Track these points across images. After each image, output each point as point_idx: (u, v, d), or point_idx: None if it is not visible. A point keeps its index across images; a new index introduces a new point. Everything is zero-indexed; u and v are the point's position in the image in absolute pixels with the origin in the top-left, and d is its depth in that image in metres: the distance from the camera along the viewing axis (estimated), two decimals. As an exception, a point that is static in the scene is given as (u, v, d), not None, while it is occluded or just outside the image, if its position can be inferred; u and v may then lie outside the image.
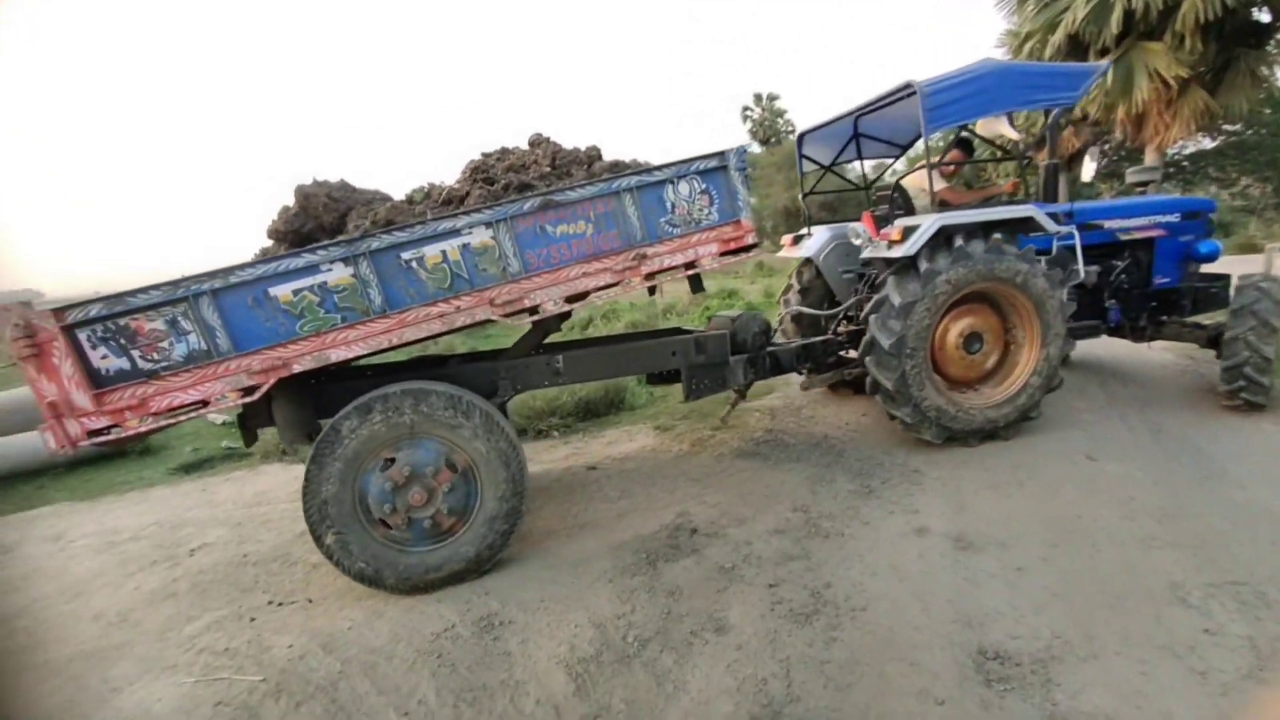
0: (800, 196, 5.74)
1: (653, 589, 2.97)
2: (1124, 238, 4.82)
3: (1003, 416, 4.27)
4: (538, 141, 3.89)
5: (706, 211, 3.42)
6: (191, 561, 3.98)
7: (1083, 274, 4.50)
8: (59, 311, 2.66)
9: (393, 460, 3.08)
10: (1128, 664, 2.27)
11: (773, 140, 31.52)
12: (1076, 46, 11.02)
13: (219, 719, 2.42)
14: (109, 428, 2.79)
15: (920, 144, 4.92)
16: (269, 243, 3.74)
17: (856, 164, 5.93)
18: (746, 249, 3.52)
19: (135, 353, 2.79)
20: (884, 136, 5.60)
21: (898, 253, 4.04)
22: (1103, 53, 10.78)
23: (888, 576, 2.93)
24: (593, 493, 4.26)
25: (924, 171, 4.49)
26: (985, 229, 4.15)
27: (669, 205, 3.36)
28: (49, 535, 4.84)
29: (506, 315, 3.17)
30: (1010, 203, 4.56)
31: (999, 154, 5.16)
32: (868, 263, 4.81)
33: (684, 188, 3.36)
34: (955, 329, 4.28)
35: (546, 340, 4.19)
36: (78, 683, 2.81)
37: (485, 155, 3.85)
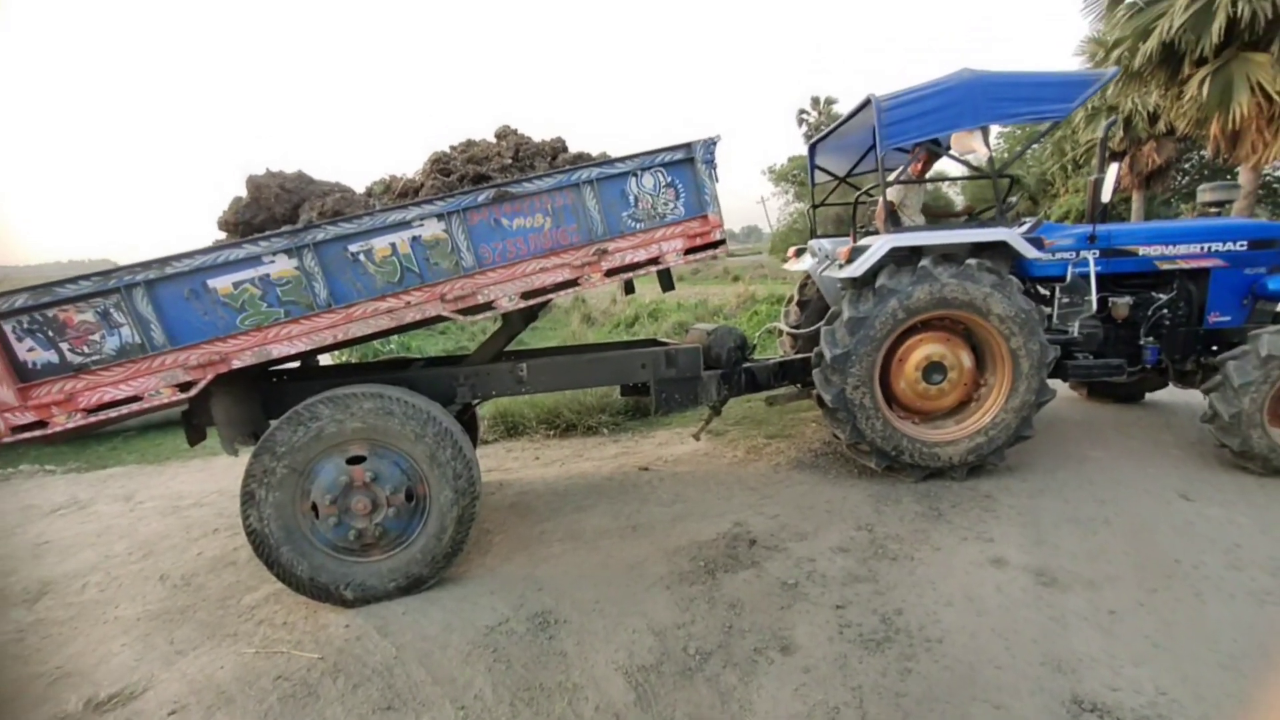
0: (808, 209, 5.56)
1: (712, 600, 2.86)
2: (1165, 267, 4.27)
3: (955, 455, 3.98)
4: (504, 134, 3.77)
5: (672, 206, 3.25)
6: (251, 531, 4.07)
7: (1093, 306, 4.13)
8: None
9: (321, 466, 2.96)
10: (1248, 732, 2.05)
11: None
12: (1171, 55, 10.35)
13: (279, 693, 2.43)
14: (36, 424, 2.67)
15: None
16: (223, 234, 3.63)
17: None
18: (713, 245, 3.34)
19: (64, 345, 2.66)
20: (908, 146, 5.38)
21: (845, 273, 3.89)
22: (1200, 62, 10.09)
23: (964, 608, 2.74)
24: (646, 494, 4.17)
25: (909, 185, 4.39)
26: (969, 252, 3.89)
27: (632, 199, 3.19)
28: (120, 494, 5.07)
29: (459, 312, 3.06)
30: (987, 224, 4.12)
31: (972, 172, 4.68)
32: None
33: (648, 180, 3.20)
34: (917, 356, 4.02)
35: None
36: (146, 641, 2.89)
37: (452, 148, 3.74)
